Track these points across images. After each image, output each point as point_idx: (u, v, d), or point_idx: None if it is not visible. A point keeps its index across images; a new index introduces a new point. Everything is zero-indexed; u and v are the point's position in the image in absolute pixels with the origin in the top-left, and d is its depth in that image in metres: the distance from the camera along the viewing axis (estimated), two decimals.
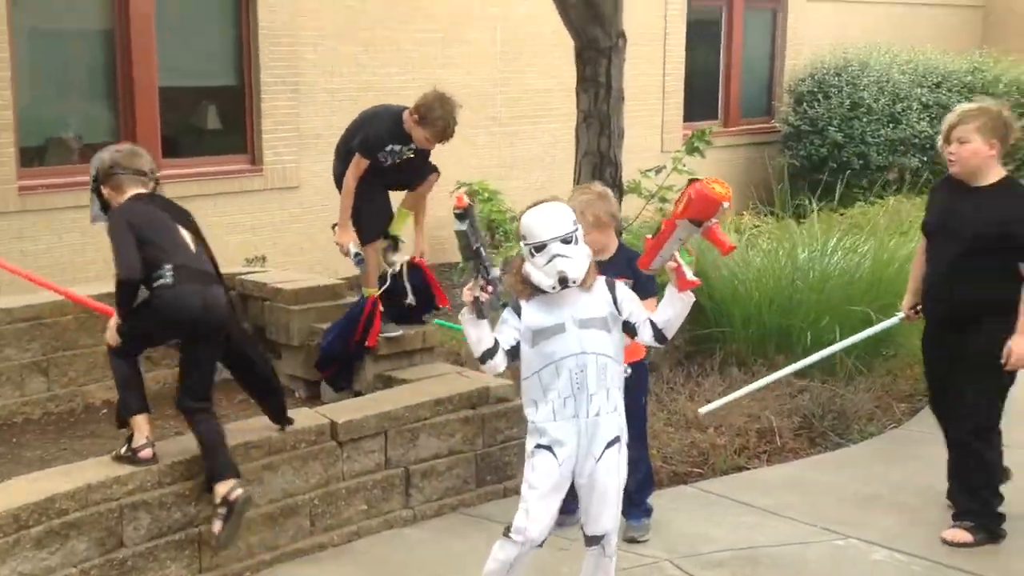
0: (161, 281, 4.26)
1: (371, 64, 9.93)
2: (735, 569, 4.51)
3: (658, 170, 7.48)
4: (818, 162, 12.89)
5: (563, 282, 3.56)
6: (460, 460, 5.08)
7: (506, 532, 3.75)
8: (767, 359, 6.70)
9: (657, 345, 3.95)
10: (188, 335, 4.36)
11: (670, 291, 3.75)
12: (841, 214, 9.92)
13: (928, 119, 13.09)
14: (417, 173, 5.79)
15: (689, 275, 3.70)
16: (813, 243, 7.40)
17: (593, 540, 3.81)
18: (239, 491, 4.19)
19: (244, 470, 4.42)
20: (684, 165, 7.46)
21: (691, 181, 3.72)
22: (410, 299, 5.72)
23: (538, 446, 3.72)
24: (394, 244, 5.77)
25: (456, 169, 9.17)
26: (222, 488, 4.19)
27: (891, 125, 12.98)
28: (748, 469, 5.67)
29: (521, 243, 3.69)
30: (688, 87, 13.02)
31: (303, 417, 4.77)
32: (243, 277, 6.11)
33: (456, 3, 10.53)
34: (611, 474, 3.75)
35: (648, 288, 4.40)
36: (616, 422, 3.75)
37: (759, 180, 12.78)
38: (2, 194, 7.90)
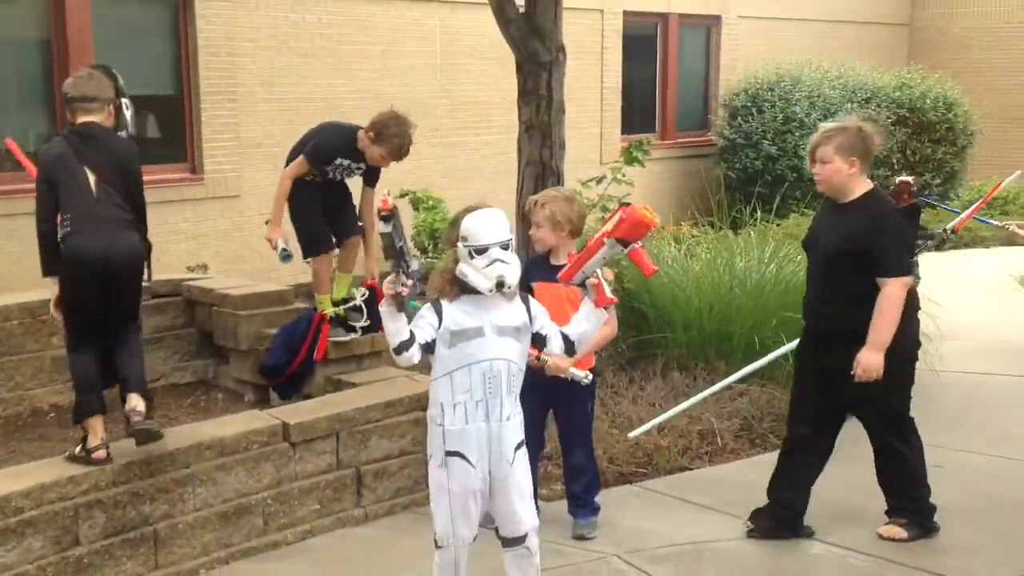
0: (63, 231, 4.30)
1: (311, 75, 10.04)
2: (679, 563, 4.69)
3: (599, 180, 7.68)
4: (753, 174, 13.22)
5: (500, 286, 3.63)
6: (411, 460, 5.21)
7: (436, 544, 3.82)
8: (708, 363, 6.91)
9: (562, 353, 4.04)
10: (99, 288, 4.33)
11: (586, 306, 3.88)
12: (777, 225, 10.21)
13: None
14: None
15: (608, 292, 3.84)
16: (750, 252, 7.65)
17: (515, 541, 3.90)
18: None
19: (197, 471, 4.52)
20: (624, 175, 7.66)
21: (622, 204, 3.88)
22: (365, 321, 5.82)
23: (449, 453, 3.76)
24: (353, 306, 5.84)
25: (399, 179, 9.30)
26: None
27: None
28: (691, 469, 5.87)
29: (460, 244, 3.73)
30: (626, 100, 13.33)
31: (255, 419, 4.87)
32: (189, 283, 6.18)
33: (394, 16, 10.68)
34: (525, 473, 3.86)
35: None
36: (520, 426, 3.85)
37: (696, 191, 13.09)
38: None
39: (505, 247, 3.71)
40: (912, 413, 5.23)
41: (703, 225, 10.41)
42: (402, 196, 9.68)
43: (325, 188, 5.82)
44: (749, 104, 13.65)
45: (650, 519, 5.17)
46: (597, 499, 5.05)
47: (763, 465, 5.96)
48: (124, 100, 4.78)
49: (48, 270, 4.44)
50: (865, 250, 4.62)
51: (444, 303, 3.76)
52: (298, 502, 4.85)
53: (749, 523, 5.06)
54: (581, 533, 4.91)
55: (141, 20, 9.36)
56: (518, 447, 3.83)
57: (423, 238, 9.84)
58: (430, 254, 9.53)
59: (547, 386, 4.65)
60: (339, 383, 5.55)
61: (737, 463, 6.04)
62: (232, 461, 4.64)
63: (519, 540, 3.90)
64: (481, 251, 3.68)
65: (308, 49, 10.04)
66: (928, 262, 8.20)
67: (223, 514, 4.62)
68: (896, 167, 14.30)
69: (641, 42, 13.70)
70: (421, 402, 5.24)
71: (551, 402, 4.92)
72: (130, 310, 4.56)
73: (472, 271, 3.68)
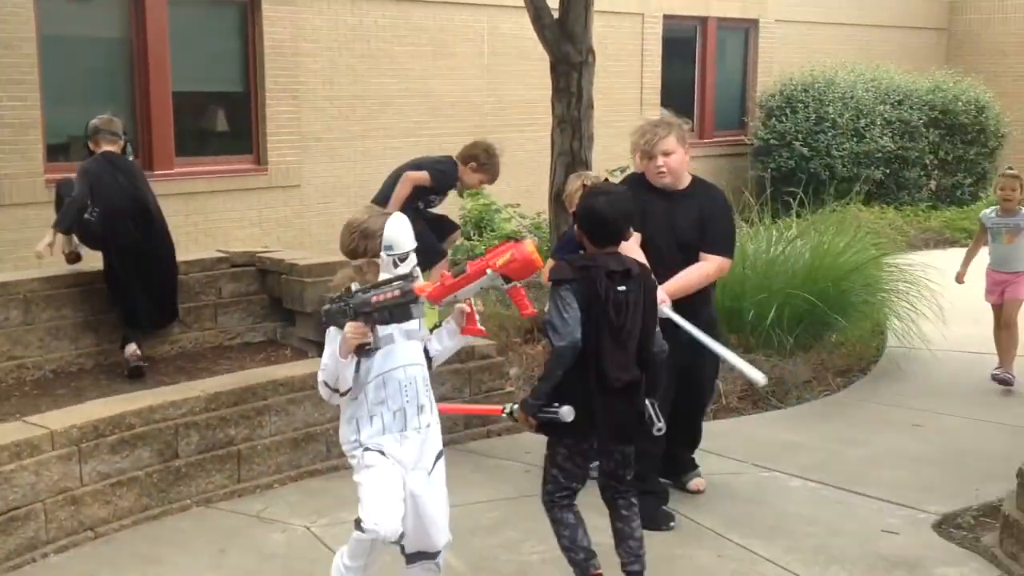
0: (91, 217, 6.35)
1: (367, 74, 11.13)
2: (672, 490, 5.66)
3: (623, 170, 8.68)
4: (787, 173, 14.12)
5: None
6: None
7: (358, 525, 3.72)
8: (720, 336, 7.85)
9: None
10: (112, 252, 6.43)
11: (450, 326, 3.94)
12: (800, 218, 11.11)
13: (891, 135, 14.36)
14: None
15: (479, 323, 3.92)
16: (759, 239, 8.59)
17: (426, 556, 3.93)
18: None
19: (273, 403, 5.59)
20: None
21: (511, 239, 4.27)
22: None
23: (368, 449, 3.74)
24: None
25: None
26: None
27: (855, 139, 14.24)
28: None
29: (384, 254, 3.71)
30: (665, 100, 14.27)
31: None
32: (262, 255, 7.26)
33: (444, 19, 11.76)
34: (443, 486, 3.91)
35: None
36: (439, 434, 3.90)
37: (730, 189, 13.98)
38: (31, 185, 9.04)
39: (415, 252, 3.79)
40: (907, 384, 6.16)
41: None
42: None
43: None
44: (783, 105, 14.56)
45: None
46: None
47: (762, 421, 7.00)
48: (126, 137, 6.91)
49: (66, 229, 6.45)
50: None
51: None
52: None
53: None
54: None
55: (213, 22, 10.53)
56: (438, 456, 3.87)
57: (469, 227, 10.86)
58: (473, 239, 10.54)
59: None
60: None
61: (739, 419, 7.01)
62: (301, 396, 5.69)
63: (431, 555, 3.93)
64: (404, 258, 3.72)
65: (365, 50, 11.14)
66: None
67: (294, 440, 5.68)
68: (928, 167, 15.15)
69: (681, 44, 14.67)
70: (459, 355, 6.17)
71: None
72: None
73: (390, 278, 3.63)
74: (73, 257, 6.66)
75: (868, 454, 6.29)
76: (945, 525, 5.29)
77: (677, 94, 14.71)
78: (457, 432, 6.26)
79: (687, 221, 5.17)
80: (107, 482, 5.04)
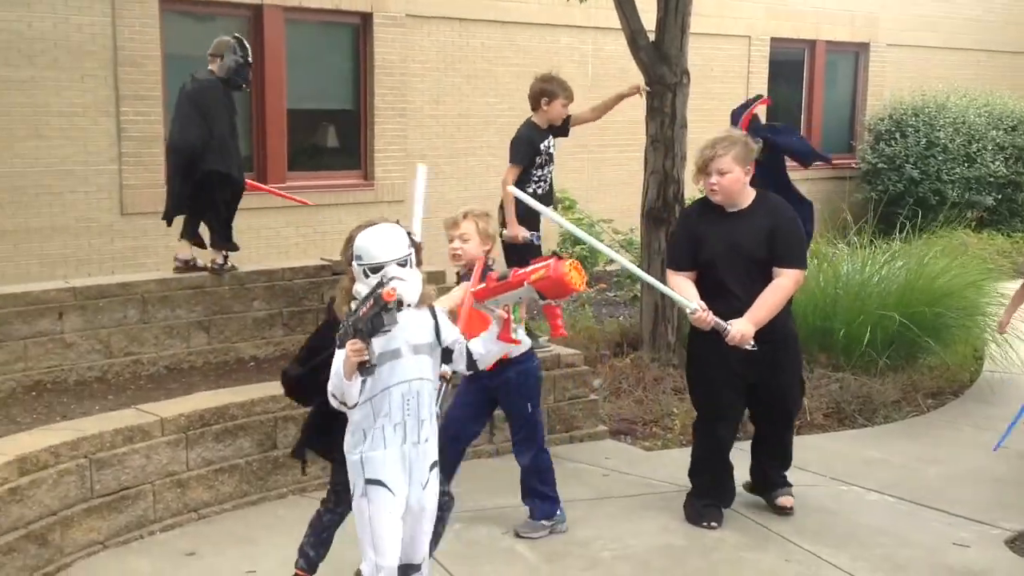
0: None
1: (472, 93, 11.55)
2: (747, 497, 5.85)
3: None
4: (895, 196, 14.11)
5: (398, 305, 3.47)
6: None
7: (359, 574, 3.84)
8: (809, 355, 8.01)
9: (467, 372, 4.14)
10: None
11: (492, 332, 3.95)
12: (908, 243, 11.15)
13: (1003, 160, 14.26)
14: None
15: (514, 334, 3.93)
16: (855, 260, 8.72)
17: (414, 568, 3.97)
18: None
19: None
20: None
21: (557, 255, 3.91)
22: None
23: (369, 481, 3.75)
24: None
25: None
26: None
27: (966, 164, 14.18)
28: None
29: (355, 263, 3.72)
30: (770, 123, 14.37)
31: None
32: None
33: (550, 41, 12.12)
34: (434, 499, 3.92)
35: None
36: (436, 446, 3.90)
37: (838, 212, 14.06)
38: (151, 195, 9.62)
39: (403, 263, 3.68)
40: (999, 408, 6.53)
41: (831, 243, 11.47)
42: None
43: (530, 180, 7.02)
44: (893, 129, 14.58)
45: (737, 470, 6.35)
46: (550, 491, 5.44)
47: (845, 438, 7.15)
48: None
49: None
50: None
51: None
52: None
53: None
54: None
55: (327, 41, 11.07)
56: (431, 468, 3.88)
57: (568, 244, 11.16)
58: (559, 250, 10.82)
59: None
60: None
61: (823, 435, 7.17)
62: None
63: (415, 568, 3.98)
64: (376, 269, 3.65)
65: (470, 70, 11.57)
66: None
67: None
68: None
69: (788, 67, 14.81)
70: (545, 364, 6.54)
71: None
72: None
73: (366, 290, 3.59)
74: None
75: (949, 472, 6.41)
76: (1019, 542, 5.40)
77: (784, 117, 14.80)
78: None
79: (753, 238, 5.18)
80: (210, 468, 5.48)
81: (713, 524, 5.46)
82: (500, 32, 11.74)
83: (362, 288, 3.66)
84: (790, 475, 6.01)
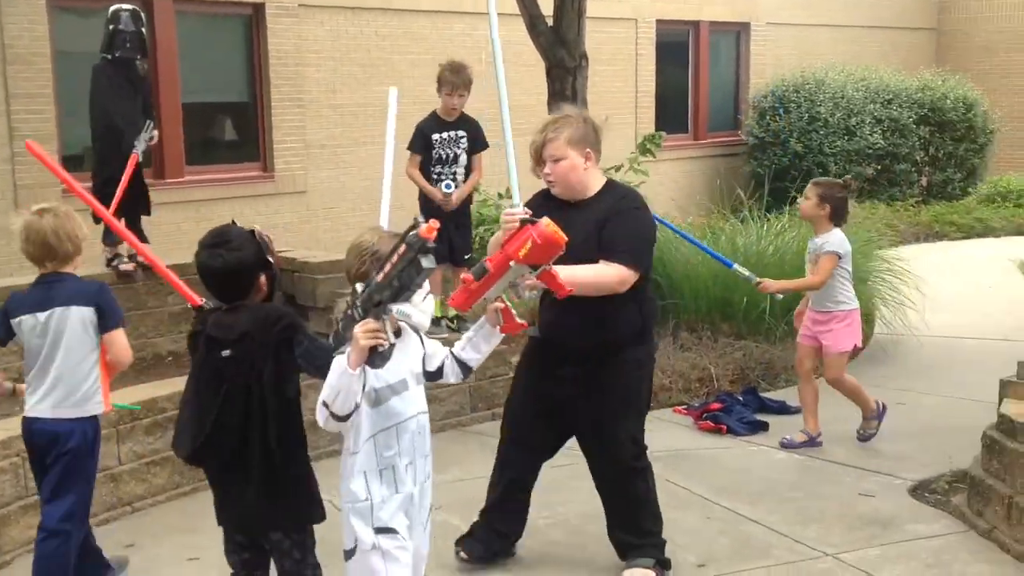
0: None
1: (368, 82, 11.65)
2: (666, 462, 6.13)
3: (617, 168, 9.20)
4: (780, 171, 14.64)
5: (435, 322, 3.56)
6: (457, 390, 6.74)
7: None
8: (712, 325, 8.37)
9: (458, 382, 3.86)
10: None
11: (485, 329, 3.68)
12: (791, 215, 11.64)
13: (881, 132, 14.90)
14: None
15: (517, 318, 3.68)
16: (750, 234, 9.11)
17: None
18: None
19: None
20: (639, 164, 9.16)
21: (526, 221, 3.66)
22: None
23: (381, 531, 3.40)
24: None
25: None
26: None
27: (846, 137, 14.78)
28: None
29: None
30: (659, 103, 14.83)
31: None
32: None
33: (444, 27, 12.28)
34: (428, 542, 3.71)
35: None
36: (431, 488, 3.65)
37: (726, 188, 14.53)
38: (46, 194, 9.50)
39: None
40: (891, 368, 6.46)
41: (724, 217, 11.90)
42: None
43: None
44: (776, 105, 15.10)
45: (649, 436, 6.64)
46: None
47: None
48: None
49: None
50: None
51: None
52: None
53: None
54: None
55: (219, 34, 11.05)
56: (430, 511, 3.68)
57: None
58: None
59: None
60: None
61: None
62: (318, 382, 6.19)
63: None
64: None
65: (366, 59, 11.67)
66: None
67: (311, 423, 6.17)
68: (919, 163, 15.68)
69: (674, 48, 15.22)
70: None
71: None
72: None
73: (410, 307, 3.34)
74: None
75: (851, 430, 6.76)
76: (920, 490, 5.79)
77: (672, 96, 15.25)
78: (464, 415, 6.77)
79: (580, 235, 4.19)
80: (142, 461, 5.56)
81: (462, 555, 4.79)
82: (394, 20, 11.86)
83: (406, 307, 3.31)
84: (704, 436, 6.29)
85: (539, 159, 4.40)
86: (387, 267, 2.99)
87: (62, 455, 4.27)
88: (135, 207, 7.28)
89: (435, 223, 2.91)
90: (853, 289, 6.57)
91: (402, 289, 2.99)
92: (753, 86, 15.92)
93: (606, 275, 4.23)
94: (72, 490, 4.28)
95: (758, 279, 6.44)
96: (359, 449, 3.38)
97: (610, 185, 4.52)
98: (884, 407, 6.64)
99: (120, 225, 5.30)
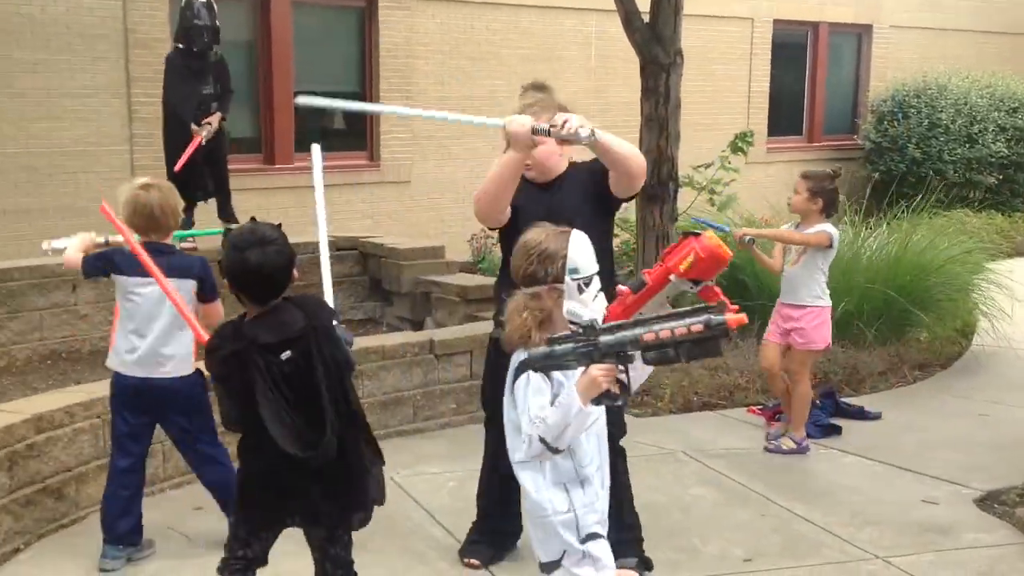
0: None
1: (477, 75, 11.85)
2: (729, 460, 6.18)
3: (707, 166, 9.20)
4: (898, 176, 14.35)
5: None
6: None
7: None
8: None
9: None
10: None
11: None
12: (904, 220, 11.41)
13: (1004, 141, 14.50)
14: None
15: None
16: (846, 234, 9.00)
17: None
18: None
19: (365, 368, 6.28)
20: (730, 163, 9.13)
21: (688, 234, 3.51)
22: None
23: (590, 537, 3.29)
24: None
25: None
26: None
27: (967, 145, 14.41)
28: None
29: (569, 278, 3.24)
30: (773, 104, 14.69)
31: (409, 335, 6.63)
32: (364, 240, 8.01)
33: (554, 23, 12.40)
34: None
35: None
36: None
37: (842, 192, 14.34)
38: (162, 174, 9.91)
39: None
40: (983, 379, 6.27)
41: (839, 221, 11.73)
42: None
43: None
44: (895, 110, 14.81)
45: (717, 433, 6.70)
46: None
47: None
48: None
49: None
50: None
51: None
52: (439, 400, 6.56)
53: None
54: None
55: (333, 25, 11.37)
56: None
57: None
58: None
59: None
60: (474, 317, 7.26)
61: None
62: (391, 364, 6.39)
63: None
64: (588, 282, 3.25)
65: (475, 52, 11.86)
66: None
67: (383, 403, 6.38)
68: None
69: (791, 49, 15.06)
70: None
71: None
72: None
73: (583, 308, 3.21)
74: None
75: (928, 438, 6.69)
76: (988, 501, 5.69)
77: (787, 97, 15.10)
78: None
79: (571, 200, 4.39)
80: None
81: (472, 561, 4.77)
82: (505, 14, 12.02)
83: (575, 307, 3.19)
84: (761, 439, 6.24)
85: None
86: (662, 330, 2.90)
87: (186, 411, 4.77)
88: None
89: (744, 317, 2.87)
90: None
91: (692, 356, 2.94)
92: (872, 89, 15.64)
93: (638, 152, 4.49)
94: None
95: (731, 228, 6.47)
96: (554, 459, 3.26)
97: (572, 164, 4.62)
98: (808, 447, 6.37)
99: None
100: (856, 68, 15.85)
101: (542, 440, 3.10)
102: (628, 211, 10.49)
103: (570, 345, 3.03)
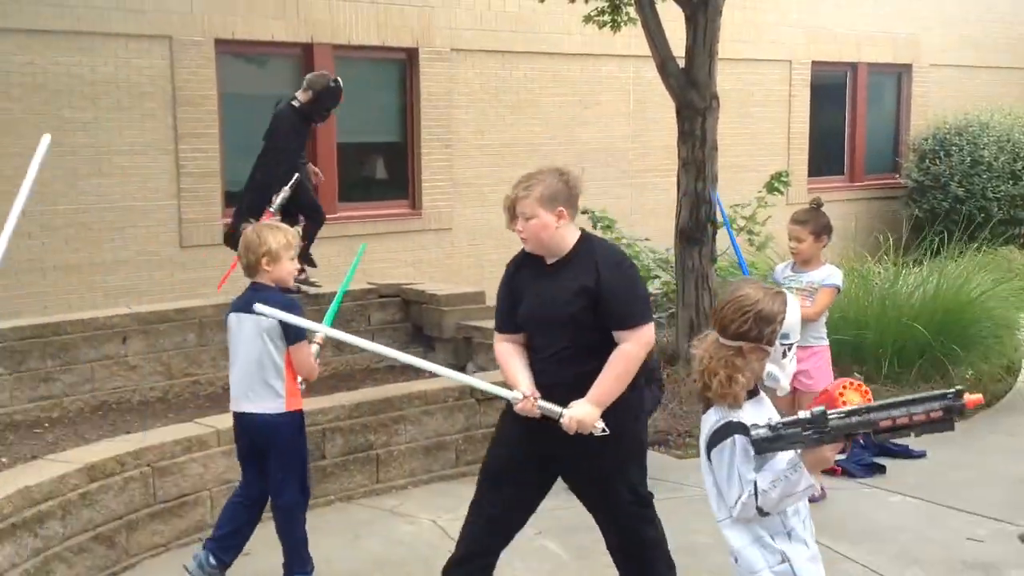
0: None
1: (516, 123, 12.02)
2: None
3: (743, 206, 9.26)
4: (941, 215, 14.31)
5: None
6: None
7: None
8: (838, 366, 8.31)
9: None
10: None
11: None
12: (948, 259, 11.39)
13: None
14: None
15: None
16: (888, 274, 9.03)
17: None
18: None
19: (408, 413, 6.38)
20: (766, 203, 9.15)
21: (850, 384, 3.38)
22: None
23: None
24: None
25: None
26: None
27: (1011, 182, 14.36)
28: None
29: (780, 342, 3.28)
30: (814, 145, 14.74)
31: (451, 381, 6.70)
32: (405, 287, 8.14)
33: (591, 69, 12.56)
34: None
35: None
36: None
37: (882, 231, 14.31)
38: (209, 228, 10.19)
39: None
40: (1021, 416, 6.47)
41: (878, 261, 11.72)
42: (583, 213, 11.40)
43: None
44: (937, 148, 14.80)
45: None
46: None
47: None
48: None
49: None
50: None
51: (741, 419, 3.20)
52: (481, 445, 6.61)
53: None
54: None
55: (375, 76, 11.59)
56: None
57: None
58: None
59: None
60: None
61: None
62: (434, 409, 6.49)
63: None
64: (790, 348, 3.33)
65: (514, 100, 12.04)
66: None
67: (426, 448, 6.47)
68: None
69: (831, 89, 15.12)
70: None
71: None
72: None
73: (780, 372, 3.29)
74: None
75: (972, 476, 6.68)
76: None
77: (827, 138, 15.14)
78: None
79: (563, 294, 4.24)
80: None
81: None
82: (542, 63, 12.20)
83: (776, 371, 3.30)
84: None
85: (512, 215, 4.33)
86: (900, 417, 3.01)
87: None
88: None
89: (981, 398, 3.00)
90: None
91: (923, 431, 3.04)
92: (913, 128, 15.64)
93: (633, 355, 4.21)
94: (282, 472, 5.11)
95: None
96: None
97: (585, 239, 4.38)
98: (824, 495, 6.20)
99: None
100: (896, 107, 15.88)
101: (760, 509, 3.12)
102: (668, 253, 10.56)
103: (798, 430, 3.04)
